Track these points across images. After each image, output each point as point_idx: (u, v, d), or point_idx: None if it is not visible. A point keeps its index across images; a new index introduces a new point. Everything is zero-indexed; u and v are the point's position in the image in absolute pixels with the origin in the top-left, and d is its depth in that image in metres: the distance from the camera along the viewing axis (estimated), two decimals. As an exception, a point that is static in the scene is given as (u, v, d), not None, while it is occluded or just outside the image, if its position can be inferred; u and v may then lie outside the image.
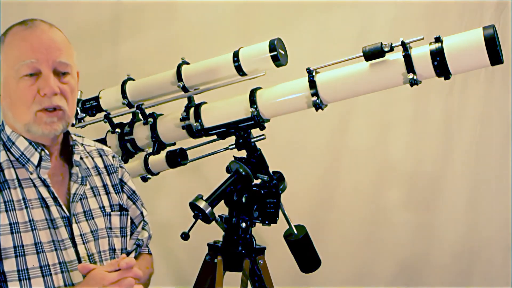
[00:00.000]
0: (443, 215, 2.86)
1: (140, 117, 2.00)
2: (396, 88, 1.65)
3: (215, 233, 1.86)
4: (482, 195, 2.86)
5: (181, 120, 1.89)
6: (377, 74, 1.62)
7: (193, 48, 2.58)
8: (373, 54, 1.59)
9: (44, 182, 1.39)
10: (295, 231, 1.79)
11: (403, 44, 1.56)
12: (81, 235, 1.40)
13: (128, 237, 1.54)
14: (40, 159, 1.39)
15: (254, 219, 1.80)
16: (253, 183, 1.82)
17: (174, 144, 2.03)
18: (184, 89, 1.91)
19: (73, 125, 2.06)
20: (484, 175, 2.85)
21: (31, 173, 1.39)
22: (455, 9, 2.80)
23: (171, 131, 1.95)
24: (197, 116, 1.87)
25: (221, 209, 1.80)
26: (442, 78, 1.58)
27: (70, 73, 1.41)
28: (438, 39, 1.54)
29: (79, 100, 2.05)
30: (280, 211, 1.79)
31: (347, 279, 2.83)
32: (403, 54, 1.57)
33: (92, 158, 1.55)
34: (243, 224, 1.78)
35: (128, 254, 1.55)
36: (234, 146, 1.86)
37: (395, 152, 2.87)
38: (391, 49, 1.58)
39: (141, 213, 1.61)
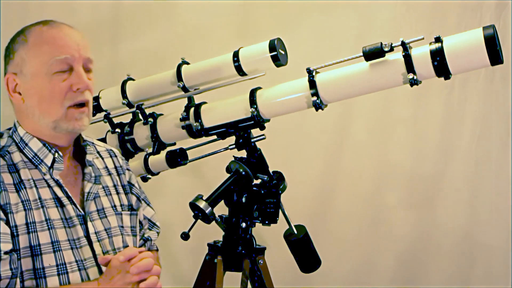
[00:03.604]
0: (443, 215, 2.86)
1: (140, 117, 2.00)
2: (396, 88, 1.65)
3: (215, 233, 1.86)
4: (482, 195, 2.85)
5: (181, 120, 1.89)
6: (377, 74, 1.62)
7: (193, 48, 2.58)
8: (373, 54, 1.58)
9: (57, 183, 1.40)
10: (295, 231, 1.78)
11: (403, 44, 1.56)
12: (95, 233, 1.42)
13: (138, 237, 1.57)
14: (53, 161, 1.40)
15: (254, 219, 1.81)
16: (253, 183, 1.82)
17: (174, 144, 2.03)
18: (184, 89, 1.90)
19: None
20: (484, 175, 2.85)
21: (45, 174, 1.40)
22: (455, 9, 2.79)
23: (171, 131, 1.95)
24: (197, 116, 1.87)
25: (221, 209, 1.80)
26: (442, 78, 1.58)
27: (92, 70, 1.45)
28: (438, 39, 1.54)
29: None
30: (280, 211, 1.79)
31: (347, 279, 2.83)
32: (403, 54, 1.56)
33: (103, 159, 1.57)
34: (243, 224, 1.78)
35: None
36: (234, 146, 1.85)
37: (395, 152, 2.87)
38: (391, 49, 1.58)
39: (148, 216, 1.65)
